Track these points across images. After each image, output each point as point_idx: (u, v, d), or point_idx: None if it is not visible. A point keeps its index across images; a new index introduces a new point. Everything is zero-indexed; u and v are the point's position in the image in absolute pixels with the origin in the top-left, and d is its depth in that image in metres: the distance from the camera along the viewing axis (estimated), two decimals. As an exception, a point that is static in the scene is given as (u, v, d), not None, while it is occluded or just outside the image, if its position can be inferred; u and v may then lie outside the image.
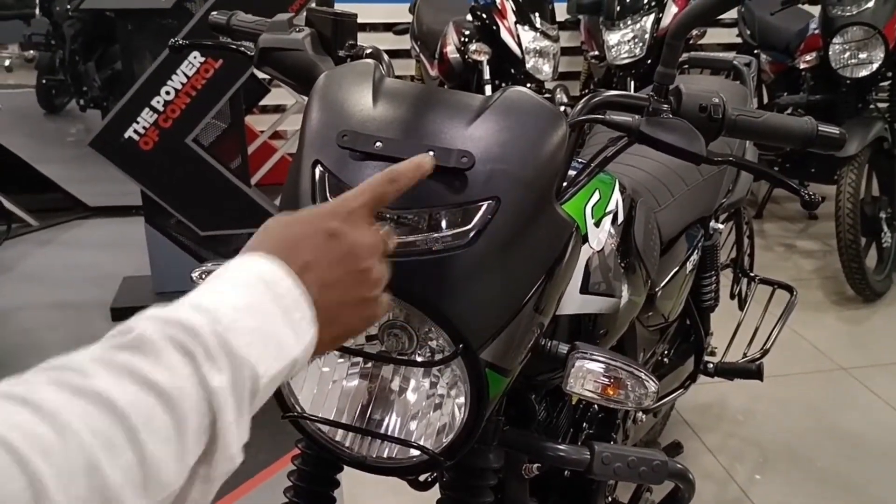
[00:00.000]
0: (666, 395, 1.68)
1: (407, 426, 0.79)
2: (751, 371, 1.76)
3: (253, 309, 0.52)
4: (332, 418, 0.80)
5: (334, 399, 0.80)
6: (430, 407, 0.78)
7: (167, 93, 2.69)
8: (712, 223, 1.64)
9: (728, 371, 1.79)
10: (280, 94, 4.41)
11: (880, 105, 3.10)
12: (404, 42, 4.27)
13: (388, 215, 0.73)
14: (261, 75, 3.88)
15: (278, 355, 0.52)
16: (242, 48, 1.05)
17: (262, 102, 4.34)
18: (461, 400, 0.76)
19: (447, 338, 0.73)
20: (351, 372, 0.80)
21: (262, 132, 4.04)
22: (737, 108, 0.95)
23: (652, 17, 3.09)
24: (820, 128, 0.96)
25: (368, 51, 1.00)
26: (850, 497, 1.97)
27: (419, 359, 0.77)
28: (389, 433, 0.79)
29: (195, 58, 2.67)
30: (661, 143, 0.89)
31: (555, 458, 1.03)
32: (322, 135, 0.78)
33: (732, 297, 2.01)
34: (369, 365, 0.80)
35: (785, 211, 4.01)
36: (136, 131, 2.71)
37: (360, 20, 3.51)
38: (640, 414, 1.53)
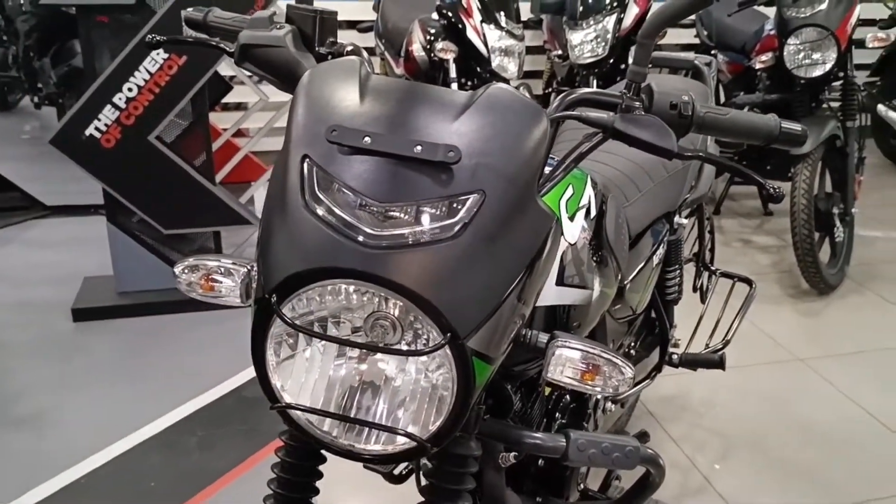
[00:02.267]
0: (633, 386, 1.72)
1: (394, 414, 0.81)
2: (714, 361, 1.82)
3: None
4: (319, 408, 0.82)
5: (321, 389, 0.82)
6: (416, 395, 0.80)
7: (129, 90, 2.66)
8: (676, 218, 1.69)
9: (692, 362, 1.84)
10: (242, 92, 4.37)
11: (832, 104, 3.21)
12: (368, 40, 4.26)
13: (375, 209, 0.75)
14: (224, 72, 3.85)
15: None
16: (222, 45, 1.05)
17: (224, 100, 4.30)
18: (448, 388, 0.78)
19: (435, 327, 0.75)
20: (338, 362, 0.81)
21: (224, 130, 4.00)
22: (704, 106, 0.99)
23: (614, 17, 3.15)
24: (783, 125, 1.01)
25: (349, 48, 1.01)
26: (809, 483, 2.04)
27: (406, 348, 0.78)
28: (377, 422, 0.81)
29: (158, 54, 2.64)
30: (635, 139, 0.93)
31: (532, 445, 1.06)
32: (310, 130, 0.80)
33: (695, 290, 2.07)
34: (356, 355, 0.81)
35: (742, 208, 4.11)
36: (97, 129, 2.68)
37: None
38: (609, 404, 1.57)
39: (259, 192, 3.87)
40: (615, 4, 3.19)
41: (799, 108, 3.20)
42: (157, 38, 1.11)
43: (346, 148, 0.76)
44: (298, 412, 0.83)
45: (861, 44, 3.11)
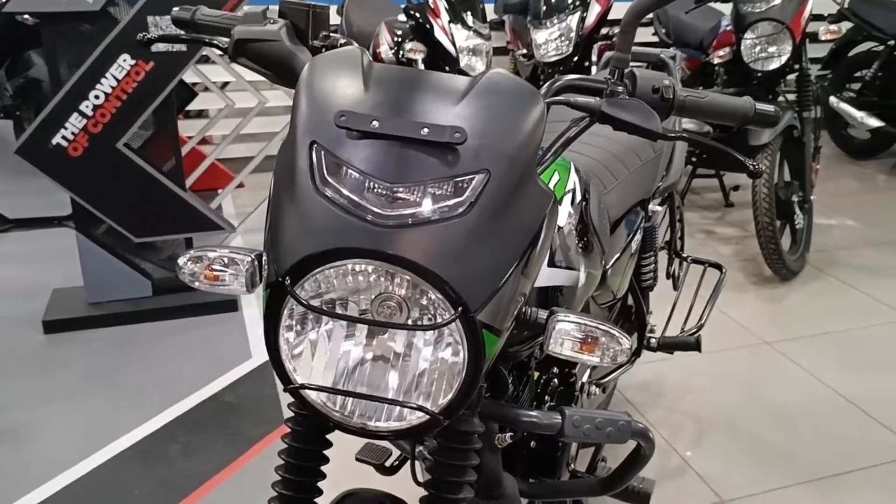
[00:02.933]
0: (613, 371, 1.77)
1: (405, 390, 0.83)
2: (690, 344, 1.87)
3: None
4: (332, 386, 0.84)
5: (333, 369, 0.84)
6: (427, 370, 0.82)
7: (96, 97, 2.63)
8: (651, 205, 1.74)
9: (669, 345, 1.89)
10: (205, 99, 4.34)
11: (788, 97, 3.31)
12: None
13: (384, 190, 0.78)
14: (189, 79, 3.82)
15: None
16: (214, 41, 1.06)
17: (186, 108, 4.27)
18: (458, 361, 0.81)
19: (445, 302, 0.77)
20: (348, 342, 0.84)
21: (189, 138, 3.97)
22: (684, 90, 1.04)
23: (577, 15, 3.22)
24: (757, 106, 1.07)
25: (342, 41, 1.04)
26: (782, 460, 2.11)
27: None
28: (389, 398, 0.83)
29: (125, 61, 2.62)
30: (621, 121, 0.97)
31: (528, 423, 1.10)
32: (317, 117, 0.82)
33: (668, 276, 2.13)
34: (365, 334, 0.83)
35: (704, 200, 4.22)
36: (64, 137, 2.64)
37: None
38: (593, 387, 1.61)
39: (227, 200, 3.87)
40: (578, 3, 3.26)
41: (757, 101, 3.29)
42: (150, 36, 1.11)
43: (354, 132, 0.79)
44: (311, 393, 0.85)
45: (814, 37, 3.22)
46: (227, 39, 1.06)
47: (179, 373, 2.53)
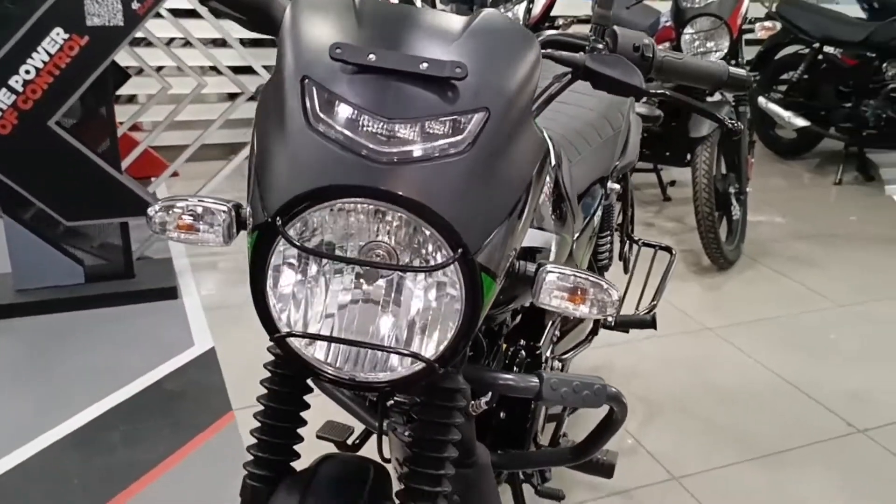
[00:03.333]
0: (573, 348, 1.77)
1: (398, 337, 0.80)
2: (646, 321, 1.90)
3: None
4: (322, 334, 0.80)
5: (321, 315, 0.80)
6: (421, 316, 0.80)
7: (27, 72, 2.49)
8: (609, 183, 1.76)
9: (626, 323, 1.91)
10: (136, 84, 4.18)
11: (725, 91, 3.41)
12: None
13: (381, 125, 0.74)
14: (123, 62, 3.66)
15: None
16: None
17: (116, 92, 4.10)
18: (455, 306, 0.78)
19: (443, 243, 0.75)
20: (338, 287, 0.80)
21: (120, 124, 3.81)
22: (662, 50, 1.05)
23: (523, 5, 3.23)
24: (731, 70, 1.09)
25: None
26: (731, 439, 2.16)
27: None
28: (383, 344, 0.80)
29: (58, 34, 2.49)
30: (606, 77, 0.97)
31: (506, 387, 1.08)
32: (308, 52, 0.79)
33: (620, 258, 2.15)
34: (355, 279, 0.80)
35: (642, 195, 4.30)
36: (-9, 113, 2.50)
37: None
38: (555, 362, 1.61)
39: (161, 189, 3.73)
40: (523, -7, 3.28)
41: (695, 95, 3.38)
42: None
43: (349, 66, 0.76)
44: (297, 342, 0.81)
45: (750, 34, 3.33)
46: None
47: (116, 362, 2.42)
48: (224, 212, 0.87)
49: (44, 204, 2.64)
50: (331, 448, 1.49)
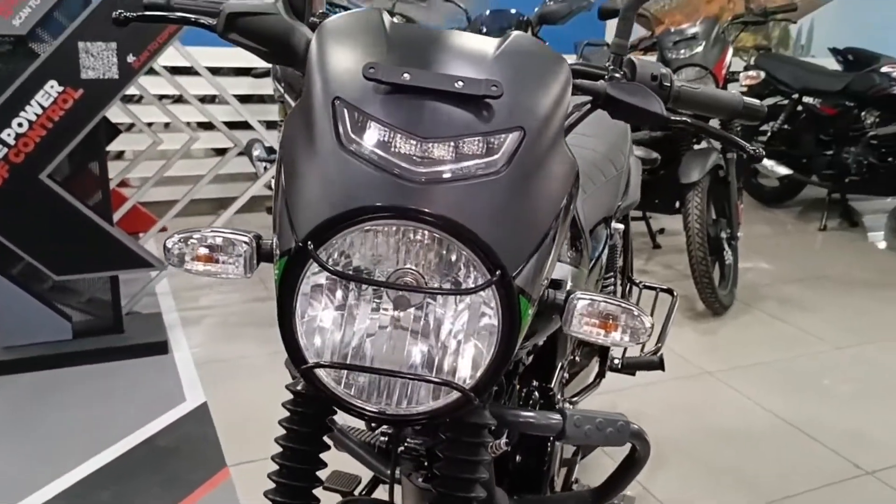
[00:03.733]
0: (581, 391, 1.74)
1: (431, 366, 0.77)
2: (654, 363, 1.87)
3: None
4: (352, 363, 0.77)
5: (350, 345, 0.77)
6: (454, 343, 0.77)
7: (20, 125, 2.48)
8: (613, 224, 1.75)
9: (633, 365, 1.88)
10: (124, 140, 4.18)
11: (712, 139, 3.47)
12: (263, 86, 4.22)
13: (416, 145, 0.73)
14: (115, 118, 3.66)
15: None
16: (201, 20, 1.00)
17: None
18: (491, 332, 0.75)
19: (480, 265, 0.73)
20: (367, 314, 0.77)
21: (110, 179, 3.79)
22: (678, 80, 1.05)
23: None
24: (745, 101, 1.09)
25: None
26: (739, 484, 2.12)
27: (437, 297, 0.76)
28: (419, 374, 0.77)
29: (52, 87, 2.49)
30: (627, 104, 0.96)
31: (528, 424, 1.05)
32: (340, 73, 0.78)
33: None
34: (384, 304, 0.77)
35: (633, 243, 4.32)
36: (-19, 167, 2.47)
37: (212, 65, 3.43)
38: (566, 405, 1.58)
39: (150, 244, 3.69)
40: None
41: (683, 143, 3.44)
42: (126, 15, 1.04)
43: (382, 86, 0.75)
44: (324, 374, 0.77)
45: (733, 83, 3.41)
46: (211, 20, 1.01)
47: (106, 419, 2.34)
48: (245, 242, 0.85)
49: (33, 258, 2.59)
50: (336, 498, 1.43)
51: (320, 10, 0.99)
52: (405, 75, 0.75)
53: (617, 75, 1.01)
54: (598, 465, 2.15)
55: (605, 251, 1.69)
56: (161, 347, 2.77)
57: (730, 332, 3.17)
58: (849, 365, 2.89)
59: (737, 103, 1.08)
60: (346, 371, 0.78)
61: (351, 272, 0.76)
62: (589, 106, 1.00)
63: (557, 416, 1.04)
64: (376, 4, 3.27)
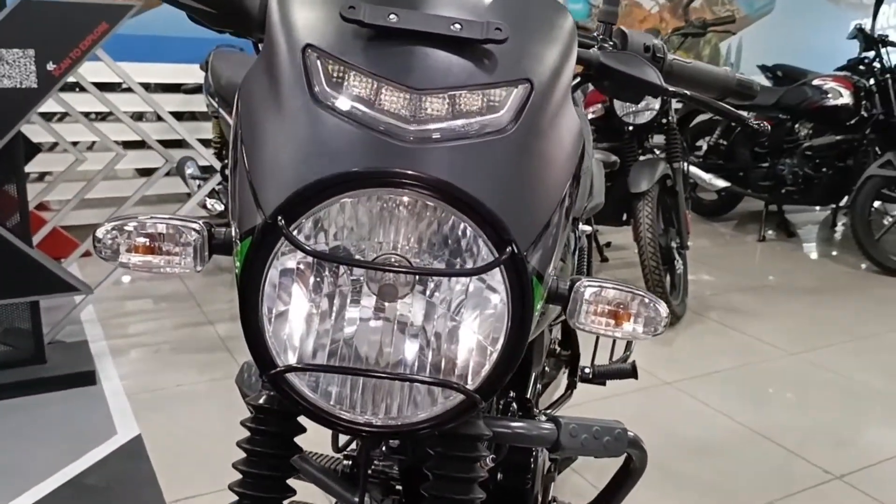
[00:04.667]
0: (554, 404, 1.64)
1: (426, 366, 0.65)
2: (626, 371, 1.78)
3: None
4: (337, 365, 0.64)
5: (329, 344, 0.64)
6: (453, 337, 0.65)
7: (-76, 137, 2.25)
8: (581, 225, 1.67)
9: (604, 374, 1.79)
10: (44, 161, 3.92)
11: (656, 150, 3.47)
12: (194, 103, 4.04)
13: (408, 98, 0.61)
14: (35, 137, 3.43)
15: None
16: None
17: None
18: (495, 322, 0.64)
19: (487, 240, 0.61)
20: (352, 307, 0.65)
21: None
22: (670, 54, 0.97)
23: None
24: (738, 77, 1.02)
25: None
26: (712, 493, 2.05)
27: (431, 282, 0.63)
28: (415, 376, 0.64)
29: (-39, 98, 2.28)
30: (623, 74, 0.87)
31: (520, 435, 0.93)
32: (311, 18, 0.65)
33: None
34: (368, 292, 0.64)
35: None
36: None
37: (142, 80, 3.23)
38: (542, 416, 1.47)
39: (76, 268, 3.45)
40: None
41: (629, 154, 3.42)
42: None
43: (365, 30, 0.63)
44: (298, 381, 0.64)
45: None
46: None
47: (28, 457, 2.11)
48: (195, 230, 0.71)
49: (-58, 284, 2.35)
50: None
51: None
52: (392, 16, 0.63)
53: (607, 45, 0.92)
54: (568, 484, 2.06)
55: (576, 252, 1.60)
56: (88, 378, 2.54)
57: (685, 341, 3.13)
58: (804, 370, 2.88)
59: (730, 80, 1.01)
60: (322, 375, 0.65)
61: (328, 252, 0.63)
62: (579, 79, 0.90)
63: (551, 426, 0.93)
64: None
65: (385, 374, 0.64)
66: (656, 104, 3.24)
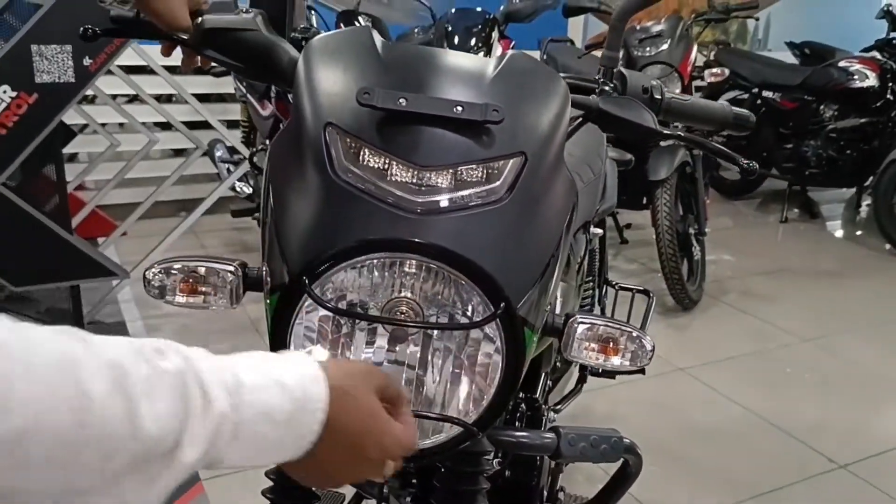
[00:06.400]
0: (565, 398, 1.73)
1: (431, 402, 0.74)
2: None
3: (272, 417, 0.53)
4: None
5: None
6: (455, 377, 0.74)
7: (-29, 131, 2.37)
8: (592, 229, 1.74)
9: (613, 369, 1.88)
10: (83, 142, 4.05)
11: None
12: (223, 85, 4.13)
13: (414, 174, 0.70)
14: (68, 120, 3.55)
15: (255, 458, 0.53)
16: (175, 35, 0.95)
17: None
18: (495, 364, 0.73)
19: (483, 297, 0.70)
20: (367, 350, 0.74)
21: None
22: (668, 92, 1.04)
23: (480, 55, 3.27)
24: (734, 111, 1.08)
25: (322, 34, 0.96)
26: (719, 480, 2.13)
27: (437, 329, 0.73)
28: (421, 412, 0.74)
29: (5, 93, 2.39)
30: (620, 119, 0.94)
31: (521, 444, 1.02)
32: (332, 97, 0.74)
33: (598, 303, 2.13)
34: (387, 339, 0.74)
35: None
36: (-69, 176, 2.36)
37: (170, 63, 3.29)
38: (551, 414, 1.56)
39: (113, 249, 3.59)
40: (481, 45, 3.31)
41: (649, 140, 3.45)
42: (94, 29, 0.98)
43: (377, 112, 0.71)
44: None
45: (698, 80, 3.43)
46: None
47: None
48: (230, 272, 0.81)
49: (-11, 269, 2.49)
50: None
51: (301, 25, 0.95)
52: (401, 100, 0.71)
53: (607, 88, 0.99)
54: (578, 468, 2.15)
55: (586, 256, 1.68)
56: (126, 358, 2.68)
57: (699, 327, 3.20)
58: (815, 357, 2.93)
59: (727, 114, 1.07)
60: None
61: (346, 306, 0.72)
62: (581, 119, 0.97)
63: (552, 436, 1.02)
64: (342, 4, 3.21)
65: None
66: (677, 89, 3.25)
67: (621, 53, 3.41)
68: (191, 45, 0.91)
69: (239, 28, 0.88)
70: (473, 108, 0.71)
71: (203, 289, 0.80)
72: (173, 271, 0.81)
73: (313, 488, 0.91)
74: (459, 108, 0.71)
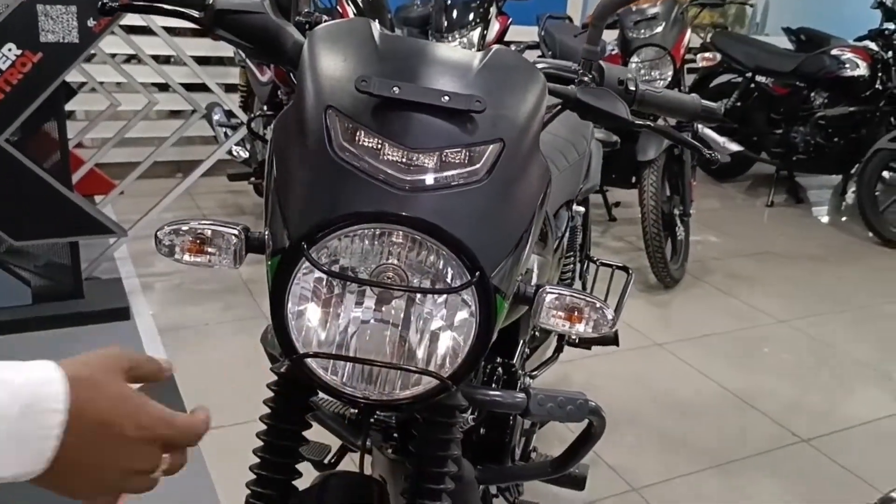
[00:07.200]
0: (541, 365, 1.83)
1: (412, 357, 0.83)
2: (609, 338, 1.97)
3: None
4: (341, 354, 0.83)
5: (337, 337, 0.83)
6: (434, 336, 0.83)
7: (-24, 88, 2.42)
8: (575, 206, 1.83)
9: (589, 340, 1.98)
10: (83, 100, 4.10)
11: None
12: (222, 48, 4.16)
13: (403, 155, 0.78)
14: (69, 77, 3.59)
15: None
16: (187, 11, 1.02)
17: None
18: (469, 326, 0.82)
19: (461, 266, 0.79)
20: (357, 308, 0.83)
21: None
22: (642, 84, 1.12)
23: (478, 31, 3.32)
24: (703, 104, 1.17)
25: (326, 18, 1.04)
26: (685, 450, 2.25)
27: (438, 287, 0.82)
28: (401, 364, 0.83)
29: (10, 50, 2.44)
30: (595, 108, 1.03)
31: (495, 402, 1.12)
32: (333, 82, 0.82)
33: (578, 278, 2.22)
34: (374, 300, 0.83)
35: (591, 215, 4.42)
36: (-64, 129, 2.42)
37: (173, 25, 3.34)
38: (527, 379, 1.66)
39: (110, 207, 3.65)
40: (479, 20, 3.36)
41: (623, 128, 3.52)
42: (111, 4, 1.05)
43: (374, 98, 0.79)
44: (313, 363, 0.83)
45: (691, 63, 3.49)
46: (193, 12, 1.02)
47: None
48: (234, 235, 0.89)
49: (-9, 223, 2.56)
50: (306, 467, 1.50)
51: (305, 10, 1.03)
52: (395, 89, 0.80)
53: (586, 79, 1.07)
54: (553, 432, 2.26)
55: (567, 233, 1.77)
56: (123, 314, 2.77)
57: (680, 305, 3.31)
58: (789, 338, 3.05)
59: (696, 106, 1.16)
60: (332, 360, 0.84)
61: (339, 270, 0.81)
62: (560, 107, 1.06)
63: (522, 395, 1.11)
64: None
65: (381, 363, 0.83)
66: (669, 72, 3.32)
67: (613, 34, 3.47)
68: (202, 23, 0.98)
69: (248, 10, 0.96)
70: (459, 98, 0.80)
71: (209, 249, 0.89)
72: (182, 232, 0.89)
73: (297, 461, 1.00)
74: (446, 98, 0.80)
